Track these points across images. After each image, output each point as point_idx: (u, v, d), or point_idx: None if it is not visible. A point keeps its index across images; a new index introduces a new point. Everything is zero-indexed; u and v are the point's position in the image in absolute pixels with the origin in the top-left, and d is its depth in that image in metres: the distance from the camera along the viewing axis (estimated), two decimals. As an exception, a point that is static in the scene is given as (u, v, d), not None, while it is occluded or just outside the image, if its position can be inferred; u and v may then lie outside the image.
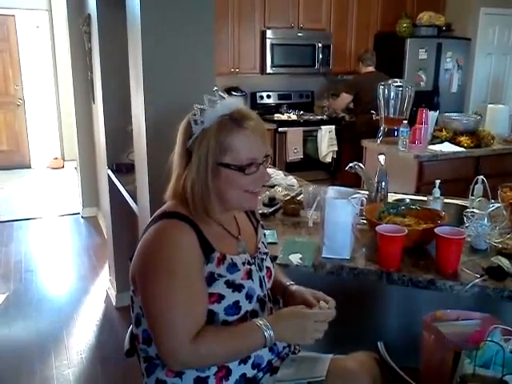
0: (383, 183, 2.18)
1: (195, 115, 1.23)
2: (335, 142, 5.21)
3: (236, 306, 1.25)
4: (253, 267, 1.33)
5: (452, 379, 1.24)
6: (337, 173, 5.29)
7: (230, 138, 1.20)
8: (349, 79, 5.39)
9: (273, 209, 2.20)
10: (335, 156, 5.26)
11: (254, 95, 5.51)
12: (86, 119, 4.79)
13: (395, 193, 2.42)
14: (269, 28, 5.14)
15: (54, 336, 2.99)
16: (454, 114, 4.25)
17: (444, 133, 3.78)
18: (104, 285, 3.63)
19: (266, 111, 5.46)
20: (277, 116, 5.36)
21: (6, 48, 6.99)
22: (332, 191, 1.76)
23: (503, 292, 1.54)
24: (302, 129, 5.14)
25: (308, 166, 5.13)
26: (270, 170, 2.89)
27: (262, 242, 1.46)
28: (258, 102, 5.54)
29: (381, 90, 3.87)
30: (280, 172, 2.85)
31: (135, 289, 1.27)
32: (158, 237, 1.22)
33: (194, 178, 1.22)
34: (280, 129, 5.03)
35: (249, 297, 1.28)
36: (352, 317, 1.75)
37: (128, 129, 2.55)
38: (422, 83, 5.39)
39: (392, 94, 3.85)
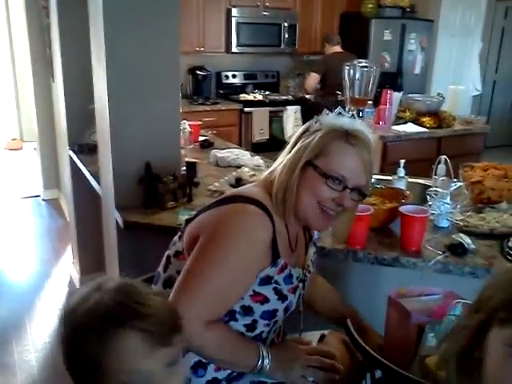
0: (349, 163, 2.19)
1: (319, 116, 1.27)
2: (300, 123, 5.20)
3: (273, 313, 1.25)
4: (300, 284, 1.33)
5: (416, 353, 1.27)
6: (302, 153, 5.29)
7: (333, 145, 1.20)
8: (316, 59, 5.37)
9: (239, 189, 2.18)
10: (301, 137, 5.25)
11: (219, 75, 5.43)
12: (45, 98, 4.62)
13: (360, 172, 2.44)
14: (234, 6, 5.05)
15: (15, 322, 2.91)
16: (417, 95, 4.31)
17: (407, 113, 3.84)
18: (67, 268, 3.55)
19: (231, 91, 5.40)
20: (242, 96, 5.31)
21: (-42, 23, 6.66)
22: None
23: (464, 268, 1.59)
24: (267, 109, 5.11)
25: (274, 147, 5.05)
26: (236, 151, 2.88)
27: (311, 260, 1.43)
28: (224, 81, 5.47)
29: (346, 71, 3.87)
30: (246, 152, 2.84)
31: (187, 249, 1.23)
32: (238, 217, 1.18)
33: (285, 165, 1.25)
34: (246, 109, 4.99)
35: (286, 309, 1.29)
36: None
37: (90, 107, 2.47)
38: (386, 64, 5.42)
39: (357, 74, 3.85)
